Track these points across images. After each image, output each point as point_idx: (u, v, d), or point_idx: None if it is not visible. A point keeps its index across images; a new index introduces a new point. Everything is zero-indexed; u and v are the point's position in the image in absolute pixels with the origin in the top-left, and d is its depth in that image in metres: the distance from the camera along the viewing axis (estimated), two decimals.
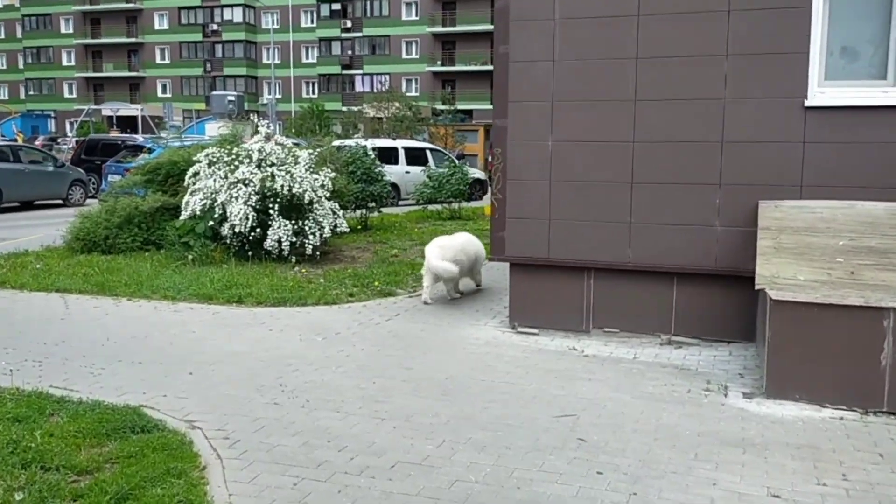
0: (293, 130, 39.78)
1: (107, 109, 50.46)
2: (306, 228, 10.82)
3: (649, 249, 6.93)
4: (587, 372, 6.15)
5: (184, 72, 72.95)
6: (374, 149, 15.11)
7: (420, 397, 5.43)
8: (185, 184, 11.43)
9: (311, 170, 11.26)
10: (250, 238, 10.81)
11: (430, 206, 16.50)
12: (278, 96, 63.23)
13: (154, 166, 12.71)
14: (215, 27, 73.05)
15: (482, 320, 7.89)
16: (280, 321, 7.74)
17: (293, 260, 10.74)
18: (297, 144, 15.43)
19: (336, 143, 18.06)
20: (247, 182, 10.82)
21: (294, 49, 69.96)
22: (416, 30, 65.28)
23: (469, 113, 54.45)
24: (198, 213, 10.87)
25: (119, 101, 58.46)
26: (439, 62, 64.61)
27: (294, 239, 10.74)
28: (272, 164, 11.15)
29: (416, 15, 65.41)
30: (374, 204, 14.51)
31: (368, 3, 67.06)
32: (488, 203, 18.48)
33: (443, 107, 45.36)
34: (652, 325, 7.09)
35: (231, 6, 72.38)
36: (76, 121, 52.17)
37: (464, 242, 9.21)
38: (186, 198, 11.14)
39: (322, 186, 11.12)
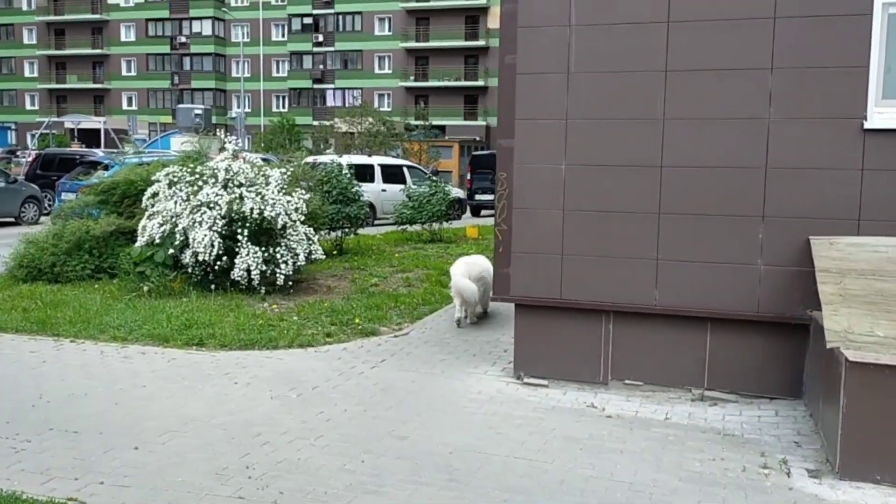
0: (263, 145, 38.66)
1: (68, 122, 48.76)
2: (278, 256, 9.75)
3: (679, 291, 5.99)
4: (616, 440, 5.16)
5: (150, 84, 71.31)
6: (349, 166, 14.09)
7: (422, 484, 4.40)
8: (143, 206, 10.31)
9: (284, 191, 10.21)
10: (215, 267, 9.72)
11: (409, 228, 15.47)
12: (248, 110, 61.94)
13: (109, 185, 11.53)
14: (184, 39, 71.54)
15: (481, 367, 6.88)
16: (247, 370, 6.66)
17: (263, 291, 9.67)
18: (266, 161, 14.32)
19: (309, 159, 17.04)
20: (212, 205, 9.73)
21: (264, 62, 68.74)
22: (388, 45, 64.45)
23: (442, 129, 53.66)
24: (156, 239, 9.75)
25: (83, 113, 56.76)
26: (412, 77, 63.78)
27: (264, 268, 9.67)
28: (240, 185, 10.08)
29: (389, 30, 64.60)
30: (350, 227, 13.45)
31: (341, 17, 66.13)
32: (469, 224, 17.54)
33: (417, 122, 44.39)
34: (681, 377, 6.14)
35: (200, 19, 70.97)
36: (36, 133, 50.47)
37: (487, 264, 8.57)
38: (144, 222, 10.02)
39: (296, 210, 10.07)
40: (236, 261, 9.63)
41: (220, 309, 8.73)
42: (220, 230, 9.62)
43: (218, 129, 10.47)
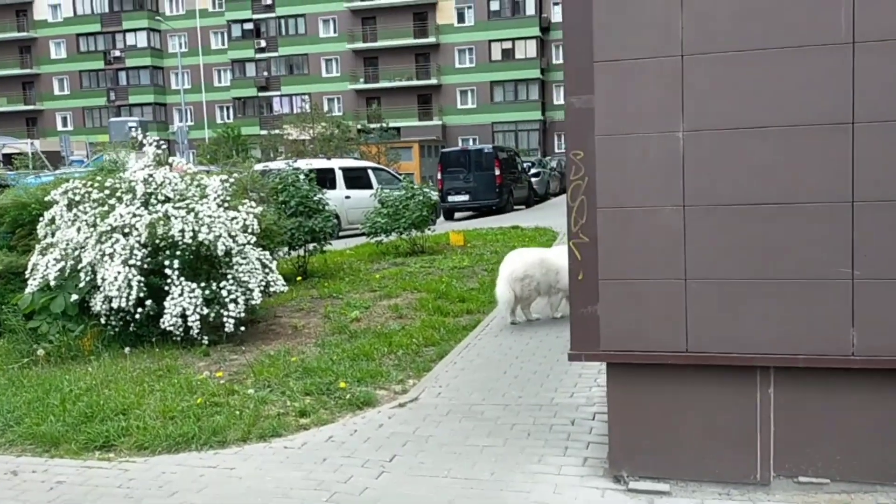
0: (207, 158, 35.72)
1: None
2: (224, 294, 7.17)
3: (895, 329, 3.58)
4: None
5: (85, 102, 67.54)
6: (309, 171, 11.52)
7: None
8: (40, 236, 7.63)
9: (227, 204, 7.63)
10: (137, 315, 7.11)
11: (384, 239, 12.90)
12: (190, 123, 58.69)
13: None
14: (118, 53, 67.93)
15: (550, 459, 4.39)
16: (174, 500, 4.09)
17: (205, 342, 7.09)
18: (207, 172, 11.67)
19: (259, 166, 14.39)
20: (127, 230, 7.11)
21: (205, 72, 65.47)
22: (335, 47, 61.72)
23: (397, 130, 51.10)
24: (51, 281, 7.08)
25: (15, 136, 52.92)
26: (362, 79, 61.16)
27: (206, 311, 7.08)
28: (166, 200, 7.47)
29: (335, 31, 61.88)
30: (315, 244, 10.86)
31: (283, 20, 63.19)
32: (451, 230, 15.05)
33: (374, 125, 41.80)
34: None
35: (134, 31, 67.40)
36: None
37: (543, 256, 7.87)
38: (34, 258, 7.34)
39: (245, 229, 7.48)
40: (166, 304, 7.03)
41: (143, 377, 6.13)
42: (139, 263, 7.01)
43: (147, 141, 7.78)
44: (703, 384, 3.88)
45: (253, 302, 7.34)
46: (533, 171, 26.61)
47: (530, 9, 57.39)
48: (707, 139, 3.71)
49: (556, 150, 54.33)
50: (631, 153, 3.81)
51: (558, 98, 59.15)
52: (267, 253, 7.78)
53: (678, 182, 3.75)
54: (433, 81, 59.64)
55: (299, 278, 10.47)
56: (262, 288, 7.48)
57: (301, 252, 10.97)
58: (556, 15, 58.39)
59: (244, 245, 7.45)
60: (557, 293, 7.64)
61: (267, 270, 7.67)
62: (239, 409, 5.32)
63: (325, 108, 51.21)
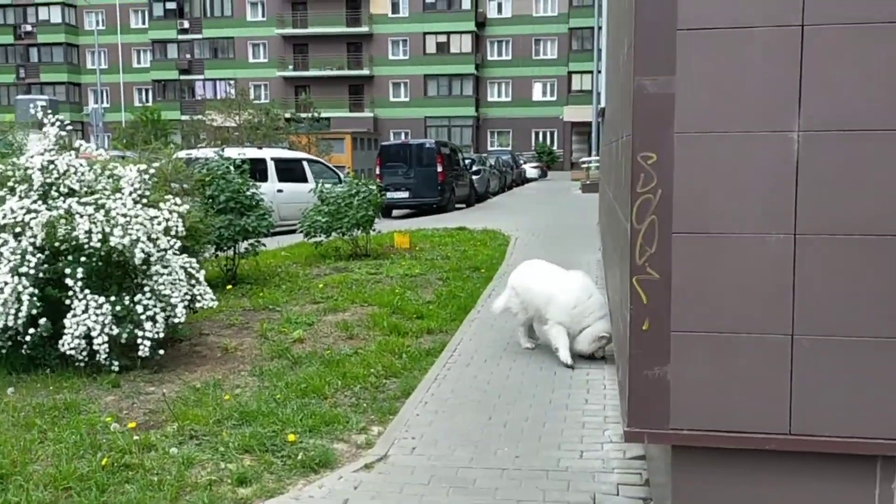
0: (123, 142, 33.44)
1: None
2: (139, 310, 5.85)
3: None
4: None
5: None
6: (242, 162, 10.16)
7: None
8: None
9: (146, 200, 6.29)
10: (29, 336, 5.73)
11: (322, 240, 11.61)
12: (106, 105, 55.59)
13: None
14: (29, 28, 64.02)
15: None
16: None
17: (115, 369, 5.77)
18: (123, 158, 10.19)
19: (182, 154, 12.90)
20: (18, 230, 5.73)
21: (123, 52, 62.27)
22: (263, 31, 59.51)
23: (327, 121, 49.38)
24: None
25: None
26: (291, 67, 59.15)
27: (116, 331, 5.75)
28: (70, 194, 6.11)
29: (263, 15, 59.67)
30: (248, 246, 9.54)
31: (208, 1, 60.55)
32: (395, 230, 13.88)
33: (304, 115, 40.08)
34: None
35: (48, 5, 63.67)
36: None
37: (530, 274, 6.63)
38: None
39: (167, 231, 6.16)
40: (66, 322, 5.68)
41: (33, 419, 4.80)
42: (33, 272, 5.64)
43: (48, 121, 6.32)
44: (804, 476, 2.85)
45: (175, 320, 6.04)
46: (474, 168, 25.61)
47: (466, 3, 56.47)
48: (833, 143, 2.68)
49: (489, 148, 53.59)
50: (724, 159, 2.75)
51: (492, 94, 58.56)
52: (193, 261, 6.47)
53: (789, 201, 2.72)
54: (365, 72, 58.15)
55: (229, 286, 9.13)
56: (186, 303, 6.18)
57: (230, 254, 9.63)
58: (492, 10, 57.78)
59: (166, 251, 6.13)
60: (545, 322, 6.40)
61: (193, 281, 6.37)
62: (157, 475, 4.06)
63: (252, 94, 49.12)
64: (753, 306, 2.77)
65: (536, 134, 58.28)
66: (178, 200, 6.37)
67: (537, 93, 58.13)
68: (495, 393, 5.48)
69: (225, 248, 9.47)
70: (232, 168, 9.79)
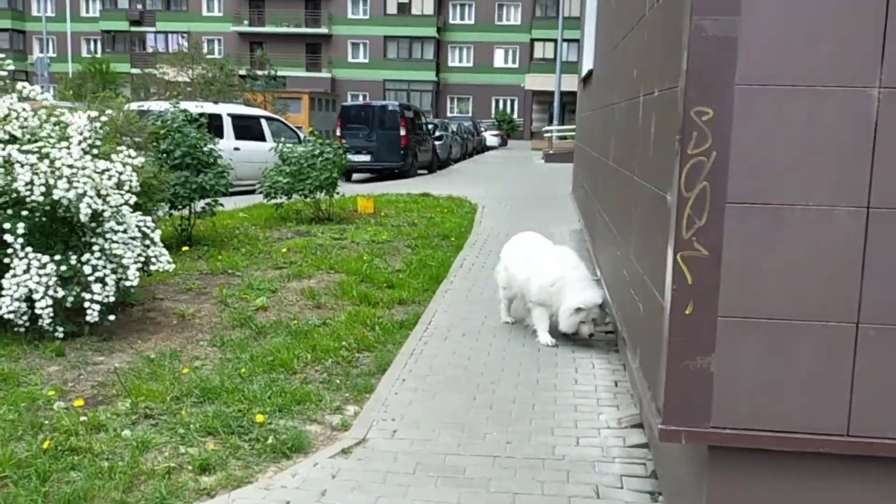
0: (70, 93, 31.96)
1: None
2: (87, 271, 5.31)
3: None
4: None
5: None
6: (199, 115, 9.51)
7: None
8: None
9: (96, 151, 5.70)
10: None
11: (283, 202, 11.04)
12: (52, 55, 53.22)
13: None
14: None
15: None
16: None
17: (60, 335, 5.24)
18: (71, 110, 9.49)
19: (134, 105, 12.14)
20: None
21: (72, 0, 59.59)
22: None
23: (283, 80, 48.05)
24: None
25: None
26: (246, 22, 57.42)
27: (61, 293, 5.21)
28: (11, 141, 5.51)
29: None
30: (205, 205, 8.97)
31: None
32: (358, 195, 13.36)
33: (260, 72, 38.85)
34: None
35: None
36: None
37: (517, 248, 6.16)
38: None
39: (119, 185, 5.60)
40: (4, 283, 5.13)
41: None
42: None
43: None
44: (860, 483, 2.52)
45: (128, 283, 5.50)
46: (436, 133, 25.03)
47: None
48: None
49: (449, 115, 52.90)
50: (791, 117, 2.36)
51: (453, 59, 57.75)
52: (149, 219, 5.91)
53: (864, 168, 2.35)
54: (323, 30, 56.75)
55: (185, 248, 8.56)
56: (140, 265, 5.65)
57: (186, 213, 9.04)
58: None
59: (119, 207, 5.57)
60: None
61: (147, 242, 5.83)
62: (108, 460, 3.59)
63: (205, 49, 47.44)
64: (814, 289, 2.40)
65: (497, 101, 57.74)
66: (132, 153, 5.80)
67: (499, 59, 57.49)
68: (477, 371, 5.10)
69: (180, 206, 8.87)
70: (188, 121, 9.16)
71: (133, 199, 5.60)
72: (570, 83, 46.35)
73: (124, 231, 5.47)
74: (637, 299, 3.38)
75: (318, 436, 4.07)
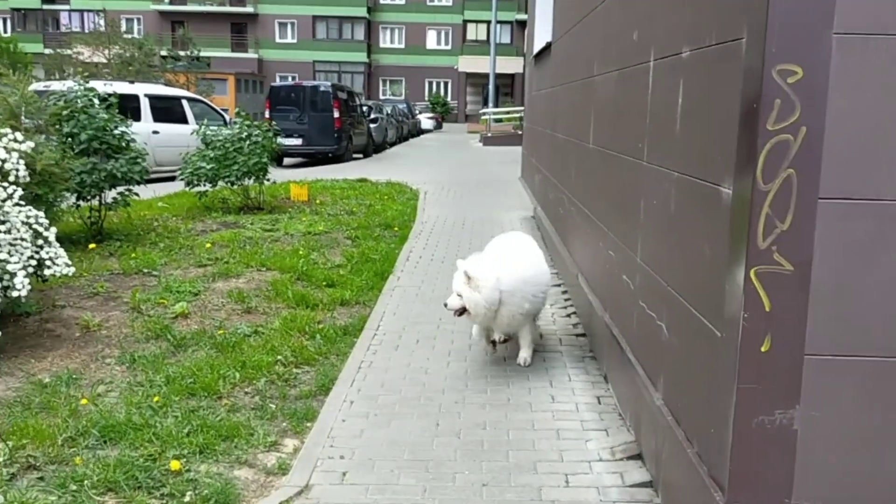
0: None
1: None
2: None
3: None
4: None
5: None
6: (108, 95, 8.47)
7: None
8: None
9: None
10: None
11: (208, 190, 10.07)
12: None
13: None
14: None
15: None
16: None
17: None
18: None
19: (38, 86, 10.95)
20: None
21: None
22: None
23: (207, 62, 46.10)
24: None
25: None
26: (167, 0, 54.95)
27: None
28: None
29: None
30: (118, 195, 7.98)
31: None
32: (291, 181, 12.44)
33: (182, 52, 37.05)
34: None
35: None
36: None
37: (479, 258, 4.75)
38: None
39: (3, 176, 4.66)
40: None
41: None
42: None
43: None
44: None
45: (15, 293, 4.58)
46: (371, 116, 24.06)
47: None
48: None
49: (381, 97, 51.78)
50: None
51: (385, 41, 56.58)
52: (40, 214, 4.97)
53: None
54: (249, 9, 54.75)
55: (93, 245, 7.57)
56: (30, 271, 4.72)
57: (96, 203, 8.04)
58: None
59: (4, 202, 4.63)
60: None
61: (41, 242, 4.90)
62: None
63: (123, 28, 45.07)
64: None
65: (430, 84, 56.84)
66: (18, 136, 4.85)
67: (431, 41, 56.52)
68: (437, 387, 4.38)
69: (88, 197, 7.88)
70: (96, 101, 8.13)
71: (18, 192, 4.67)
72: (505, 65, 45.79)
73: (7, 231, 4.53)
74: (655, 315, 2.71)
75: (250, 484, 3.29)
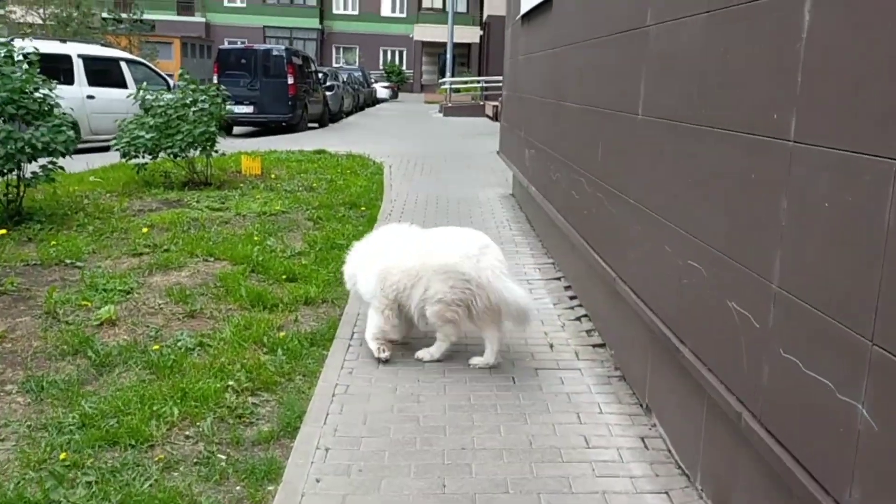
0: None
1: None
2: None
3: None
4: None
5: None
6: (31, 55, 7.23)
7: None
8: None
9: None
10: None
11: (147, 162, 8.89)
12: None
13: None
14: None
15: None
16: None
17: None
18: None
19: None
20: None
21: None
22: None
23: (151, 25, 43.83)
24: None
25: None
26: None
27: None
28: None
29: None
30: (39, 169, 6.81)
31: None
32: (242, 152, 11.26)
33: (124, 14, 34.97)
34: None
35: None
36: None
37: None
38: None
39: None
40: None
41: None
42: None
43: None
44: None
45: None
46: (327, 83, 22.72)
47: None
48: None
49: (335, 64, 50.09)
50: None
51: (338, 6, 54.75)
52: None
53: None
54: None
55: (3, 231, 6.40)
56: None
57: (14, 179, 6.86)
58: None
59: None
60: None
61: None
62: None
63: None
64: None
65: (384, 52, 55.25)
66: None
67: (386, 8, 54.84)
68: (435, 423, 3.42)
69: (4, 171, 6.70)
70: (12, 59, 6.91)
71: None
72: (461, 34, 44.48)
73: None
74: (830, 383, 1.76)
75: None
